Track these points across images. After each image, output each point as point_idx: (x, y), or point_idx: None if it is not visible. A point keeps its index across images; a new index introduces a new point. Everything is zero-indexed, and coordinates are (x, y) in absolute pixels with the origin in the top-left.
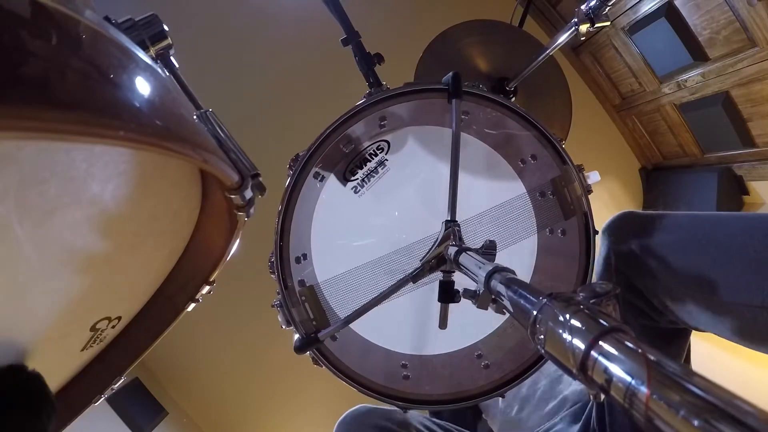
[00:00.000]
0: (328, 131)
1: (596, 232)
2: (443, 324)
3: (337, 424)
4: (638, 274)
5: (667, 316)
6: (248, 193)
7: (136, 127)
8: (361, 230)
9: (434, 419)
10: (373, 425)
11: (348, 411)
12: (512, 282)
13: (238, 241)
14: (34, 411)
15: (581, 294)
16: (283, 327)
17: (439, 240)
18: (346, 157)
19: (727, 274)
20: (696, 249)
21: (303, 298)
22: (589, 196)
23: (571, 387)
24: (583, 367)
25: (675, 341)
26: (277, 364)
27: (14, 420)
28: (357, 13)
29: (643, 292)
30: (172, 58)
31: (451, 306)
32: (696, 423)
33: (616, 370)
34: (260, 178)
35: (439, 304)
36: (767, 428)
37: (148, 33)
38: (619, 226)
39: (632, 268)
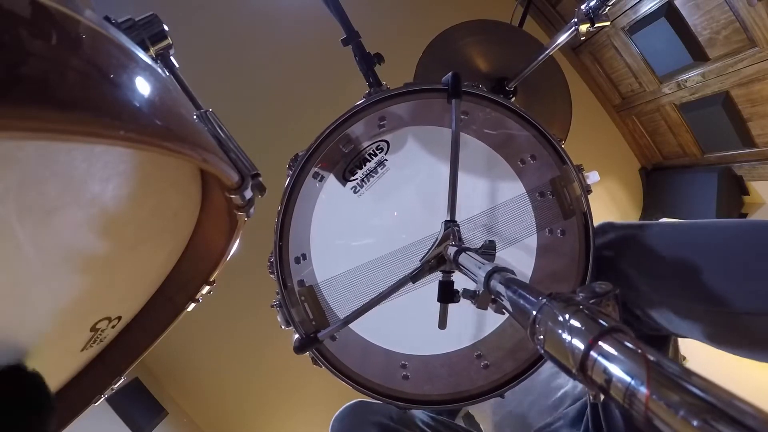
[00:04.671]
0: (327, 131)
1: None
2: (443, 324)
3: (333, 419)
4: (618, 284)
5: (647, 323)
6: (248, 193)
7: (136, 127)
8: (361, 230)
9: (432, 415)
10: (371, 422)
11: (344, 406)
12: (512, 282)
13: (238, 241)
14: (34, 410)
15: (580, 294)
16: (283, 327)
17: (438, 240)
18: (345, 157)
19: (706, 281)
20: (674, 257)
21: (302, 298)
22: (589, 196)
23: (571, 383)
24: (582, 367)
25: (658, 347)
26: (277, 364)
27: (14, 419)
28: (357, 13)
29: (624, 300)
30: (172, 58)
31: (451, 306)
32: (695, 423)
33: (615, 370)
34: (260, 178)
35: (439, 304)
36: (766, 428)
37: (148, 33)
38: (598, 237)
39: (612, 278)
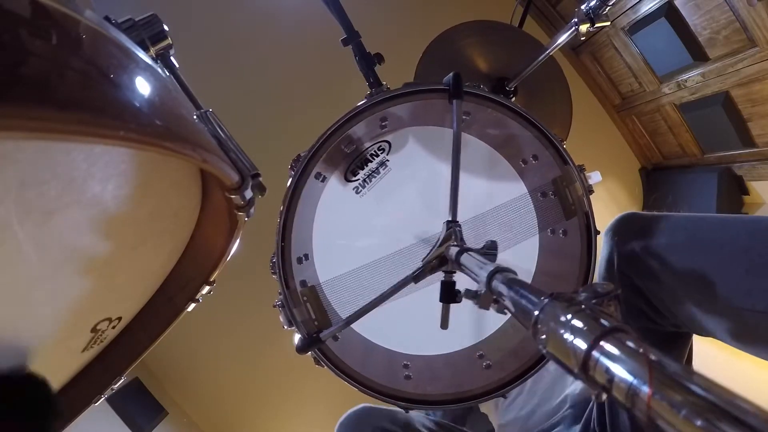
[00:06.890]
0: (329, 132)
1: (597, 232)
2: (445, 324)
3: (337, 424)
4: (641, 276)
5: (669, 319)
6: (248, 193)
7: (136, 127)
8: (363, 231)
9: (435, 419)
10: (375, 426)
11: (349, 411)
12: (514, 282)
13: (238, 241)
14: (40, 418)
15: (582, 294)
16: (285, 327)
17: (440, 240)
18: (347, 158)
19: (730, 278)
20: (699, 251)
21: (305, 298)
22: (590, 197)
23: (573, 386)
24: (584, 367)
25: (677, 345)
26: (278, 365)
27: (19, 426)
28: (357, 13)
29: (646, 293)
30: (172, 58)
31: (453, 306)
32: (698, 423)
33: (617, 370)
34: (260, 178)
35: (441, 304)
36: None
37: (148, 33)
38: (622, 227)
39: (635, 270)
